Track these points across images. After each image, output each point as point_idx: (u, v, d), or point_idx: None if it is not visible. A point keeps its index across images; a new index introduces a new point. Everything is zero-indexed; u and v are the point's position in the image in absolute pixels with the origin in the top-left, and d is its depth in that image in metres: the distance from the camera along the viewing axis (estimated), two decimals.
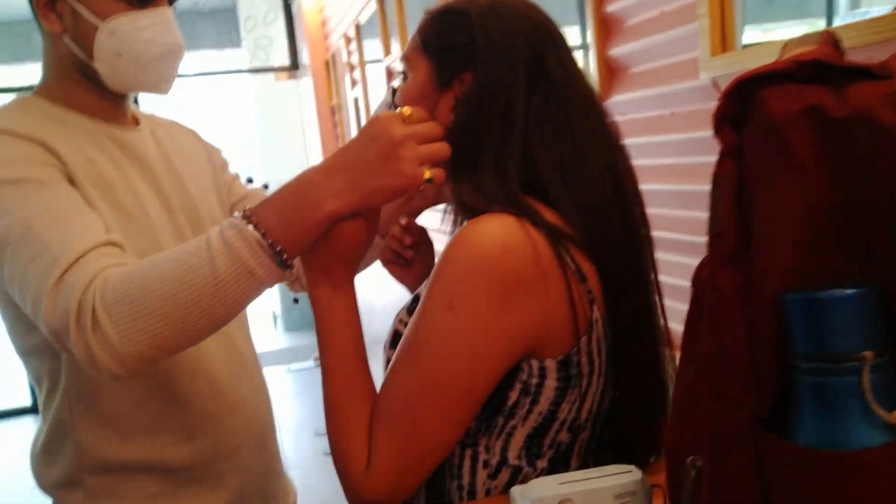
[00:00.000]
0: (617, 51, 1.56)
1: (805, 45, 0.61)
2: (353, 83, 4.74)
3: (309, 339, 6.11)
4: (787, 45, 0.64)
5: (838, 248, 0.53)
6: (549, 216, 0.78)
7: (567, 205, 0.80)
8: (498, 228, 0.75)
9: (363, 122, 4.61)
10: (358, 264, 0.84)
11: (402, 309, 0.89)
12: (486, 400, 0.78)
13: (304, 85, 6.18)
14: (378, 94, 4.06)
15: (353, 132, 5.17)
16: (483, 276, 0.74)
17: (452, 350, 0.75)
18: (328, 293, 0.82)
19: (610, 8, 1.56)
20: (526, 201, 0.79)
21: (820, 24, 1.40)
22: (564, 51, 0.85)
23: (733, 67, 1.24)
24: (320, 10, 5.58)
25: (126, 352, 0.76)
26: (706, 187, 1.34)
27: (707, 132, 1.34)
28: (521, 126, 0.81)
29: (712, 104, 1.32)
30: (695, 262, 1.56)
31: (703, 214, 1.33)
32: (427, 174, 0.78)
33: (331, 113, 5.74)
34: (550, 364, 0.78)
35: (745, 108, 0.57)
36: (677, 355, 0.85)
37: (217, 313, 0.78)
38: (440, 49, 0.85)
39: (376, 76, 4.11)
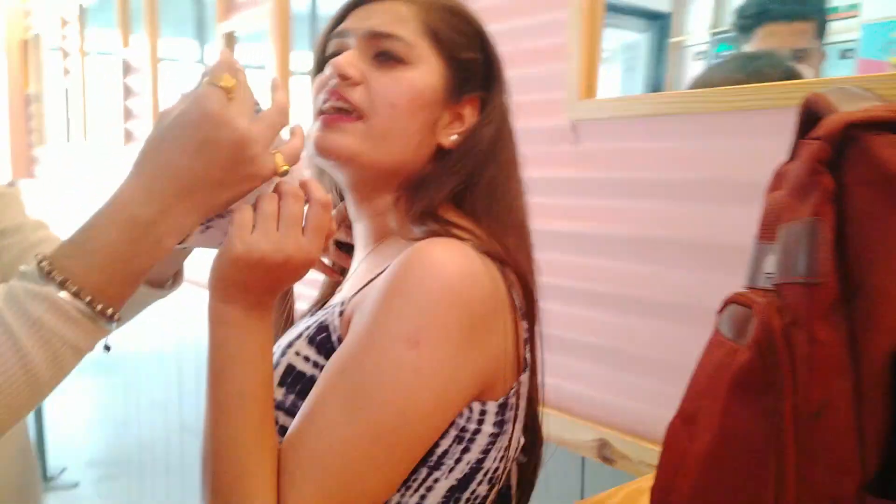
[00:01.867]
0: None
1: (857, 100, 0.60)
2: (66, 72, 4.10)
3: None
4: (821, 96, 0.63)
5: None
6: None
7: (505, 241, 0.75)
8: (459, 255, 0.66)
9: (72, 116, 4.01)
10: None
11: (295, 337, 0.72)
12: None
13: None
14: (102, 86, 3.56)
15: (51, 125, 4.48)
16: (452, 306, 0.64)
17: (416, 394, 0.63)
18: (243, 314, 0.64)
19: None
20: (482, 230, 0.73)
21: None
22: None
23: (595, 113, 1.27)
24: None
25: None
26: (558, 228, 1.35)
27: (563, 172, 1.36)
28: (516, 163, 0.79)
29: (568, 146, 1.34)
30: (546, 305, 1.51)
31: (557, 255, 1.35)
32: (282, 164, 0.63)
33: (24, 102, 4.91)
34: (492, 407, 0.70)
35: (842, 152, 0.55)
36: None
37: (28, 406, 0.59)
38: (463, 58, 0.76)
39: (104, 68, 3.61)
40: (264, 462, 0.62)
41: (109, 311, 0.59)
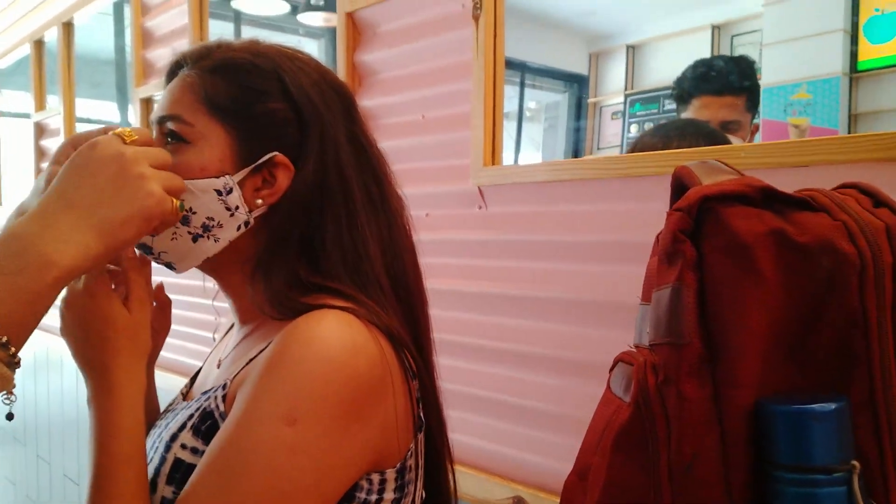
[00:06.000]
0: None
1: (716, 173, 0.66)
2: None
3: None
4: (688, 169, 0.68)
5: (789, 360, 0.58)
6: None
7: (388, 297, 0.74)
8: (342, 327, 0.65)
9: None
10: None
11: (179, 429, 0.70)
12: None
13: None
14: (19, 150, 3.47)
15: None
16: (331, 381, 0.62)
17: (290, 472, 0.61)
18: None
19: (366, 103, 1.56)
20: (363, 296, 0.71)
21: None
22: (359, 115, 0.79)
23: (498, 179, 1.32)
24: None
25: None
26: (468, 288, 1.39)
27: (471, 235, 1.40)
28: (358, 210, 0.73)
29: (476, 210, 1.39)
30: (449, 362, 1.55)
31: (463, 315, 1.38)
32: (177, 202, 0.66)
33: None
34: (390, 474, 0.70)
35: (700, 223, 0.59)
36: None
37: None
38: (255, 113, 0.70)
39: (16, 131, 3.52)
40: None
41: (4, 339, 0.55)
